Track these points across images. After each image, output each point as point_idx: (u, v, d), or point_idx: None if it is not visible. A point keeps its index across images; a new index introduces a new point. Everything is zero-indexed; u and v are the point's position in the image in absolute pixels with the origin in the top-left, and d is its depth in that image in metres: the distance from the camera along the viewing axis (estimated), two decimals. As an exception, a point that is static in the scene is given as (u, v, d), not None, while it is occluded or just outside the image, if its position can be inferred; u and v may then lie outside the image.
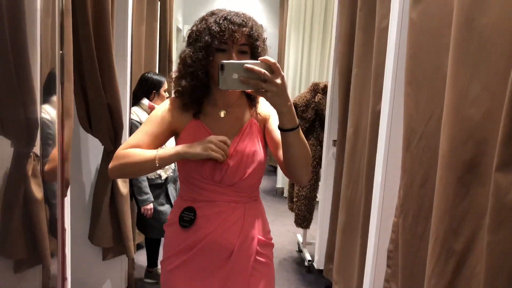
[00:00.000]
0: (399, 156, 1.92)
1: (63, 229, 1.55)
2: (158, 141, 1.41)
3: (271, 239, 1.52)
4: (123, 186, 2.54)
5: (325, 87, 3.35)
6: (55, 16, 1.44)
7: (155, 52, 3.73)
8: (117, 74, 2.47)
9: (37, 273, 2.79)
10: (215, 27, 1.28)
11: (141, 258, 3.43)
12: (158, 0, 3.81)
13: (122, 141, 2.53)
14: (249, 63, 1.15)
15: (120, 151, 1.36)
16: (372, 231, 2.09)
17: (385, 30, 2.06)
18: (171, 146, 1.37)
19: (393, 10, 1.92)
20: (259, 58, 1.16)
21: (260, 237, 1.45)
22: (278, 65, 1.15)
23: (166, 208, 2.90)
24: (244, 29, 1.30)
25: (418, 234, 1.80)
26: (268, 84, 1.14)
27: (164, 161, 1.32)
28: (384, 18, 2.14)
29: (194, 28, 1.36)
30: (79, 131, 2.50)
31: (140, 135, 1.38)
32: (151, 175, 2.84)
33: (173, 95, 1.48)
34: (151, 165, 1.31)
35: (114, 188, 2.53)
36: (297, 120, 1.23)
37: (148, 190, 2.77)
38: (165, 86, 2.93)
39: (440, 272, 1.48)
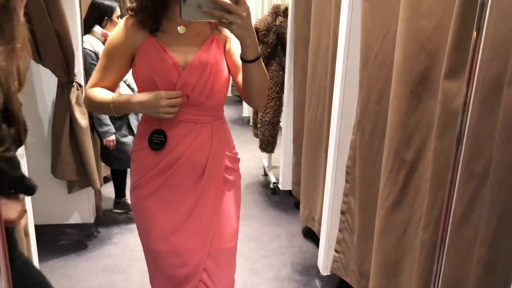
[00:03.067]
0: (357, 75, 1.94)
1: None
2: (119, 73, 1.38)
3: (237, 153, 1.52)
4: (81, 118, 2.49)
5: (286, 9, 3.26)
6: None
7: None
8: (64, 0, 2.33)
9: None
10: None
11: (109, 190, 3.45)
12: None
13: (76, 71, 2.44)
14: None
15: (86, 90, 1.38)
16: (331, 149, 2.15)
17: None
18: (124, 97, 1.33)
19: None
20: None
21: (227, 152, 1.45)
22: None
23: (129, 139, 2.87)
24: None
25: (375, 149, 1.87)
26: (233, 15, 1.10)
27: (120, 110, 1.34)
28: None
29: None
30: (30, 64, 2.38)
31: (100, 71, 1.36)
32: (111, 107, 2.77)
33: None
34: (109, 111, 1.35)
35: (73, 120, 2.47)
36: (259, 50, 1.21)
37: (108, 121, 2.72)
38: (118, 11, 2.78)
39: (393, 181, 1.56)
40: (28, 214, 1.59)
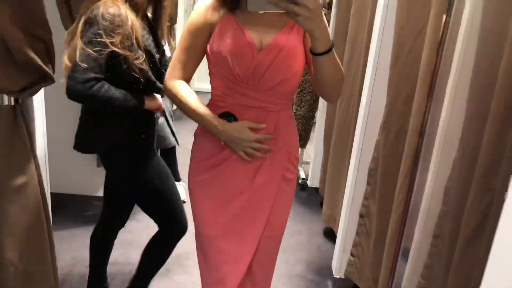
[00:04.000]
0: (387, 74, 1.84)
1: None
2: (203, 53, 1.34)
3: (298, 154, 1.45)
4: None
5: (331, 1, 3.17)
6: None
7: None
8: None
9: None
10: None
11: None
12: None
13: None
14: None
15: (169, 81, 1.34)
16: (354, 149, 2.07)
17: None
18: (214, 117, 1.30)
19: None
20: None
21: (290, 149, 1.38)
22: None
23: (160, 120, 2.90)
24: None
25: (399, 152, 1.77)
26: (299, 7, 1.02)
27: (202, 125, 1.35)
28: None
29: None
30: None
31: (182, 54, 1.33)
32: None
33: None
34: (191, 117, 1.34)
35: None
36: (331, 42, 1.13)
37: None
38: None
39: (407, 188, 1.47)
40: (46, 180, 1.64)
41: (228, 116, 1.30)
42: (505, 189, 0.85)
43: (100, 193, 2.99)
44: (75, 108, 2.67)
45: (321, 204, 3.30)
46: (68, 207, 2.91)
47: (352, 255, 2.16)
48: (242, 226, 1.37)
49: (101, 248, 2.06)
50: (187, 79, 1.36)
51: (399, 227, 1.69)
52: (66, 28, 2.20)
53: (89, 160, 2.86)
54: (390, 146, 1.82)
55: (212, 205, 1.37)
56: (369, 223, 2.05)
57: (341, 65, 1.22)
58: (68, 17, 2.12)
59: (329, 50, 1.12)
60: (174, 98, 1.34)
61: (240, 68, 1.24)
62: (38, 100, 1.60)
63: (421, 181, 1.66)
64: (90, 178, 2.94)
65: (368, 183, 2.05)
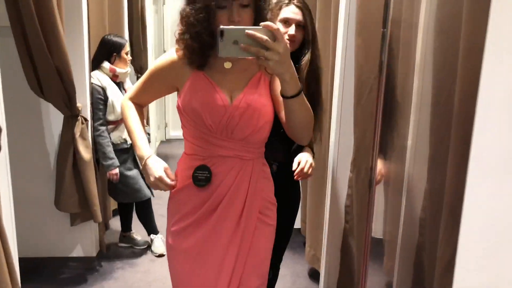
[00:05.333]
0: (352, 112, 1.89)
1: None
2: (156, 95, 1.51)
3: (274, 199, 1.47)
4: (85, 151, 2.51)
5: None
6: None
7: (122, 15, 3.61)
8: (72, 36, 2.40)
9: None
10: None
11: (117, 223, 3.44)
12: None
13: (81, 105, 2.49)
14: (250, 29, 1.08)
15: (123, 102, 1.49)
16: (328, 188, 2.08)
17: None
18: (146, 146, 1.39)
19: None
20: (261, 24, 1.09)
21: (265, 195, 1.42)
22: (281, 31, 1.09)
23: (134, 172, 2.88)
24: None
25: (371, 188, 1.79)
26: (270, 52, 1.08)
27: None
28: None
29: None
30: (40, 98, 2.45)
31: (140, 87, 1.45)
32: (116, 140, 2.80)
33: (175, 46, 1.37)
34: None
35: (77, 153, 2.50)
36: (300, 86, 1.19)
37: (113, 155, 2.74)
38: (127, 48, 2.85)
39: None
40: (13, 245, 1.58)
41: (203, 170, 1.33)
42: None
43: (76, 253, 2.91)
44: (44, 162, 2.66)
45: (304, 244, 3.27)
46: (41, 271, 2.79)
47: (337, 294, 2.13)
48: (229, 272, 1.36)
49: None
50: (141, 104, 1.50)
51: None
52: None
53: (61, 219, 2.78)
54: (362, 181, 1.84)
55: (199, 266, 1.37)
56: (350, 261, 2.03)
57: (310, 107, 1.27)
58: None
59: (298, 93, 1.18)
60: (122, 114, 1.48)
61: (213, 120, 1.29)
62: (2, 154, 1.54)
63: (397, 213, 1.67)
64: (63, 239, 2.85)
65: (346, 221, 2.05)
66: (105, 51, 2.78)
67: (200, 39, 1.26)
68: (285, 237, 1.85)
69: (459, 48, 0.96)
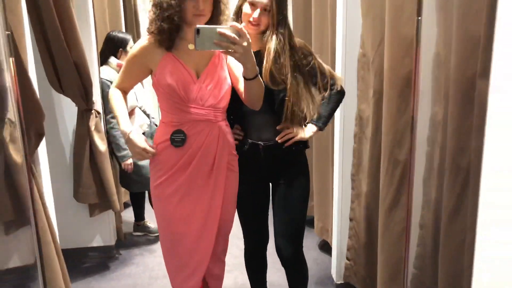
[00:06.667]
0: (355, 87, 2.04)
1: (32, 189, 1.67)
2: (136, 79, 1.74)
3: (236, 154, 1.78)
4: (100, 143, 2.64)
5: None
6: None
7: (119, 11, 3.73)
8: (81, 33, 2.52)
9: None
10: None
11: (129, 215, 3.57)
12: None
13: (94, 99, 2.61)
14: (221, 28, 1.37)
15: (110, 90, 1.74)
16: (336, 158, 2.23)
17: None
18: (127, 123, 1.65)
19: None
20: (229, 24, 1.39)
21: (230, 149, 1.72)
22: (244, 30, 1.38)
23: (146, 162, 3.00)
24: None
25: (375, 155, 1.95)
26: (237, 46, 1.38)
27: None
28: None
29: None
30: (52, 94, 2.57)
31: (122, 74, 1.71)
32: (128, 132, 2.93)
33: (146, 34, 1.62)
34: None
35: (93, 146, 2.62)
36: (257, 71, 1.52)
37: (126, 146, 2.86)
38: (131, 43, 2.97)
39: (389, 181, 1.64)
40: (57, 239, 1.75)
41: (179, 133, 1.62)
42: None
43: (96, 243, 3.03)
44: (60, 157, 2.77)
45: (308, 222, 3.43)
46: (65, 262, 2.91)
47: (347, 258, 2.29)
48: (203, 218, 1.70)
49: None
50: (125, 90, 1.75)
51: (387, 222, 1.84)
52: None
53: (80, 211, 2.90)
54: (366, 150, 1.99)
55: (183, 204, 1.68)
56: (357, 225, 2.20)
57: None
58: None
59: (255, 76, 1.51)
60: (109, 101, 1.72)
61: (186, 92, 1.58)
62: (42, 154, 1.71)
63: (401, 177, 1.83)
64: (83, 230, 2.97)
65: (352, 188, 2.21)
66: (112, 47, 2.90)
67: (171, 22, 1.52)
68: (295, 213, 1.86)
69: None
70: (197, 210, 1.69)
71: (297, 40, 1.75)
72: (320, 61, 1.76)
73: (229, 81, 1.66)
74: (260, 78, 1.57)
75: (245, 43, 1.39)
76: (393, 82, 1.54)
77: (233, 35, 1.37)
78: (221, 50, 1.44)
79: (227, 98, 1.66)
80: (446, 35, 1.28)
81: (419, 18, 1.12)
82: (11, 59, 1.45)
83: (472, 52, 1.12)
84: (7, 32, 1.43)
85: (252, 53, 1.45)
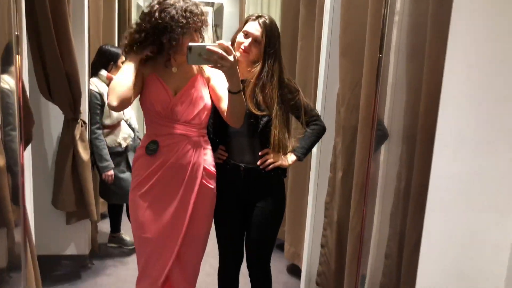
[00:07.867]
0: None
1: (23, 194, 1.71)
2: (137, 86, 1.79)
3: (214, 171, 1.87)
4: (84, 153, 2.68)
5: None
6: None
7: (114, 26, 3.82)
8: (75, 45, 2.59)
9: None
10: (181, 19, 1.65)
11: (105, 226, 3.59)
12: (116, -26, 3.87)
13: (81, 109, 2.67)
14: (211, 46, 1.53)
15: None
16: (311, 186, 2.33)
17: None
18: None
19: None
20: (217, 42, 1.54)
21: (205, 166, 1.83)
22: (231, 47, 1.55)
23: (127, 175, 3.05)
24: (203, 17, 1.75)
25: (348, 186, 2.05)
26: (224, 61, 1.53)
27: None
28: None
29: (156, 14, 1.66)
30: (40, 100, 2.61)
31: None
32: (111, 144, 2.98)
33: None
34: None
35: (76, 155, 2.67)
36: (241, 86, 1.66)
37: (108, 157, 2.91)
38: (123, 58, 3.05)
39: (359, 211, 1.73)
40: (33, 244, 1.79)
41: (153, 143, 1.78)
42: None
43: (69, 251, 3.03)
44: (43, 163, 2.79)
45: (278, 246, 3.47)
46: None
47: (317, 283, 2.36)
48: (167, 226, 1.81)
49: None
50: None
51: (355, 251, 1.93)
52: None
53: (57, 218, 2.91)
54: (341, 180, 2.09)
55: (153, 208, 1.81)
56: (328, 252, 2.28)
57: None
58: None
59: (239, 91, 1.65)
60: (115, 82, 1.70)
61: (162, 108, 1.75)
62: (27, 159, 1.75)
63: (371, 209, 1.92)
64: (58, 237, 2.97)
65: (325, 216, 2.30)
66: (103, 60, 2.97)
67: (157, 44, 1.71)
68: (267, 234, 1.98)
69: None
70: (163, 217, 1.81)
71: (286, 78, 1.87)
72: (305, 99, 1.91)
73: (206, 100, 1.81)
74: (243, 96, 1.70)
75: (231, 58, 1.54)
76: (368, 120, 1.65)
77: (220, 51, 1.52)
78: (209, 65, 1.60)
79: (201, 115, 1.80)
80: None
81: (380, 55, 1.23)
82: (17, 56, 1.51)
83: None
84: (16, 33, 1.51)
85: (238, 68, 1.60)
